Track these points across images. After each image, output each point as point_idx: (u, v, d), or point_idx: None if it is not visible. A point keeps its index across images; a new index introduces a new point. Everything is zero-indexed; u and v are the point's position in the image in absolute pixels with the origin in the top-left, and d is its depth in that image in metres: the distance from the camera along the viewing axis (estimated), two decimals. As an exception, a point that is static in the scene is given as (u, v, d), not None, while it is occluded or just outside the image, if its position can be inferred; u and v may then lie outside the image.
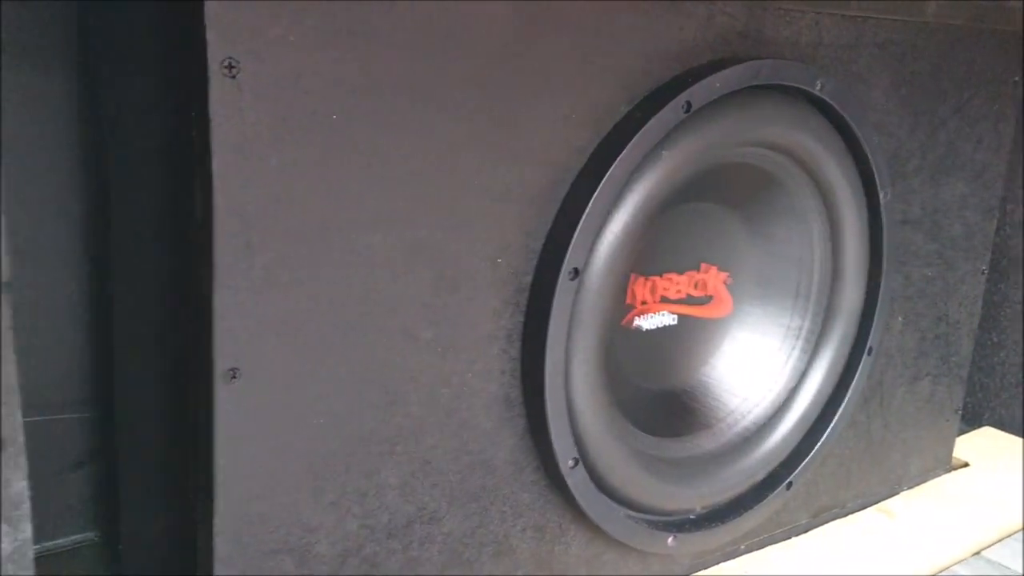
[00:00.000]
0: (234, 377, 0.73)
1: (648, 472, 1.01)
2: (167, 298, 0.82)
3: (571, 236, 0.86)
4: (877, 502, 1.32)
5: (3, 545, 0.65)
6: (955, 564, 1.18)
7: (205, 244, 0.69)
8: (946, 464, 1.43)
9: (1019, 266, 1.56)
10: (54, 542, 1.08)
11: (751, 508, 1.10)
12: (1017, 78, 1.28)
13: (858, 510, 1.29)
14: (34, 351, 1.01)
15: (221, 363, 0.72)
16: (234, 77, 0.67)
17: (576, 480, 0.94)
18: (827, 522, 1.25)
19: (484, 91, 0.81)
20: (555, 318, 0.87)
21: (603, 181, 0.86)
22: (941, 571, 1.16)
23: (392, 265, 0.79)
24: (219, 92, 0.67)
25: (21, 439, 0.64)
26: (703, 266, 1.09)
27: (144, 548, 0.98)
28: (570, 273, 0.87)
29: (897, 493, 1.35)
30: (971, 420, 1.65)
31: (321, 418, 0.79)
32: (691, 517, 1.08)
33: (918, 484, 1.38)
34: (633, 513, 1.02)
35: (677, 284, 1.07)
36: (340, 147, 0.74)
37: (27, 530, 0.66)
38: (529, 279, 0.89)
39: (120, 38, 0.84)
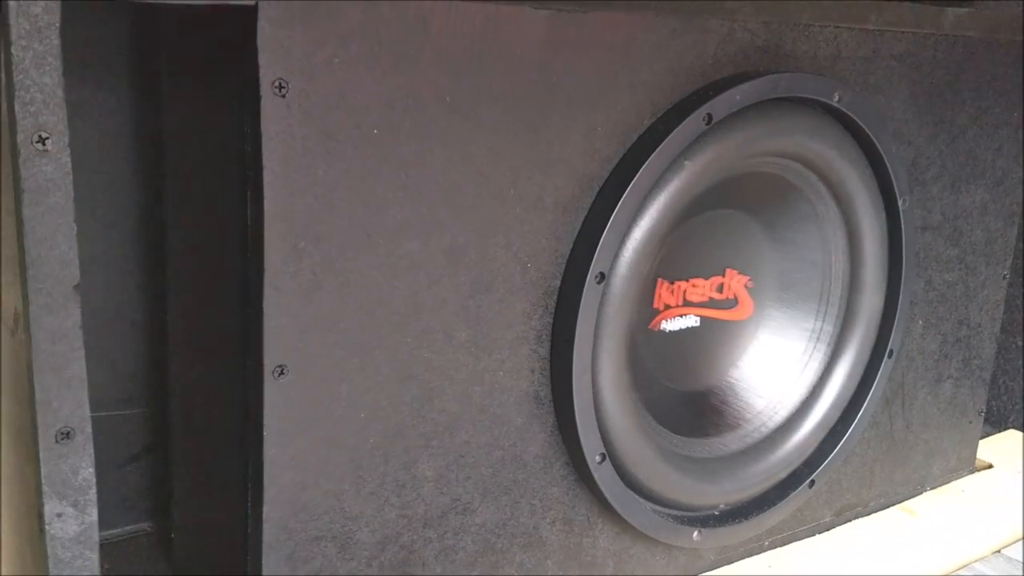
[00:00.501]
0: (282, 374, 0.78)
1: (674, 469, 1.06)
2: (218, 301, 0.88)
3: (597, 242, 0.91)
4: (900, 501, 1.35)
5: (71, 527, 0.71)
6: (975, 562, 1.21)
7: (256, 249, 0.75)
8: (970, 465, 1.46)
9: (1044, 271, 1.58)
10: (111, 531, 1.14)
11: (774, 505, 1.14)
12: (1037, 87, 1.32)
13: (881, 509, 1.33)
14: (94, 351, 1.07)
15: (270, 361, 0.77)
16: (284, 96, 0.72)
17: (603, 475, 0.98)
18: (850, 520, 1.28)
19: (516, 106, 0.86)
20: (582, 320, 0.92)
21: (627, 190, 0.91)
22: (961, 568, 1.19)
23: (430, 269, 0.85)
24: (270, 110, 0.72)
25: (88, 429, 0.70)
26: (728, 271, 1.13)
27: (194, 539, 1.04)
28: (596, 277, 0.92)
29: (920, 493, 1.38)
30: (997, 423, 1.67)
31: (362, 413, 0.84)
32: (715, 513, 1.12)
33: (941, 484, 1.41)
34: (659, 508, 1.06)
35: (701, 288, 1.11)
36: (381, 159, 0.79)
37: (93, 514, 0.72)
38: (558, 283, 0.93)
39: (179, 58, 0.90)
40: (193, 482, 1.02)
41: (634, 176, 0.91)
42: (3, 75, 0.65)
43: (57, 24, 0.64)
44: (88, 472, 0.71)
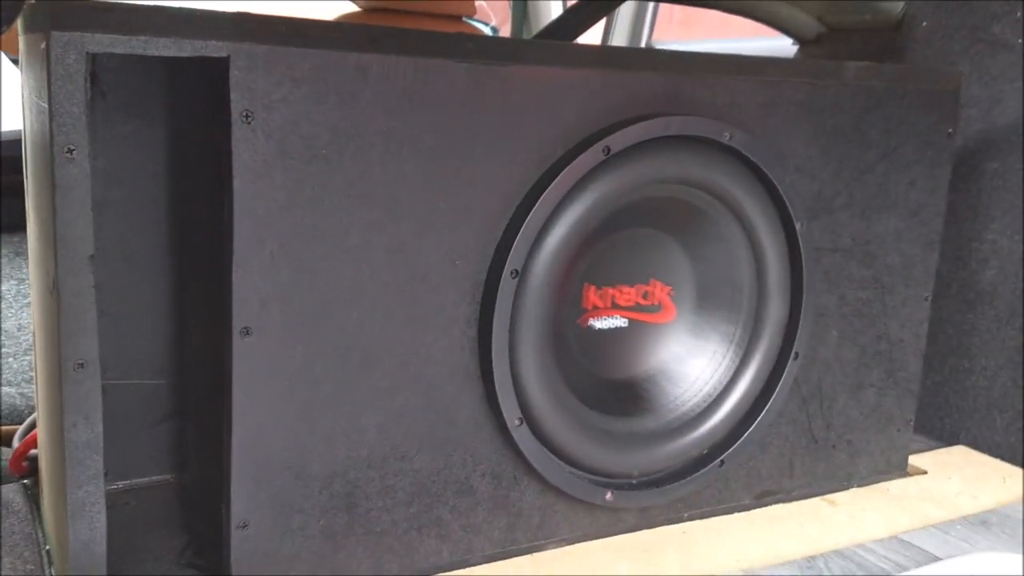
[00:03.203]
0: (247, 334, 1.03)
1: (591, 439, 1.27)
2: (220, 290, 1.13)
3: (511, 245, 1.14)
4: (824, 493, 1.53)
5: (83, 434, 0.96)
6: (871, 541, 1.38)
7: (227, 237, 1.00)
8: (901, 470, 1.63)
9: (985, 299, 1.75)
10: (142, 479, 1.39)
11: (685, 478, 1.35)
12: (951, 130, 1.50)
13: (804, 498, 1.51)
14: (130, 332, 1.34)
15: (237, 322, 1.02)
16: (250, 123, 0.98)
17: (521, 436, 1.21)
18: (770, 504, 1.47)
19: (445, 137, 1.10)
20: (499, 307, 1.15)
21: (536, 204, 1.14)
22: (855, 545, 1.36)
23: (372, 260, 1.09)
24: (239, 133, 0.98)
25: (97, 363, 0.96)
26: (652, 281, 1.35)
27: (203, 489, 1.29)
28: (512, 273, 1.15)
29: (846, 489, 1.56)
30: (949, 439, 1.83)
31: (315, 371, 1.08)
32: (632, 481, 1.32)
33: (870, 484, 1.58)
34: (576, 471, 1.28)
35: (627, 294, 1.33)
36: (328, 174, 1.04)
37: (99, 426, 0.98)
38: (483, 277, 1.17)
39: (181, 96, 1.17)
40: (204, 442, 1.28)
41: (542, 193, 1.14)
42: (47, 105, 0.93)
43: (83, 71, 0.91)
44: (96, 395, 0.97)
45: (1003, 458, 1.73)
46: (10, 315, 1.91)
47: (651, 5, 3.60)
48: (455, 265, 1.15)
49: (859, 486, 1.58)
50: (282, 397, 1.07)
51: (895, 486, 1.60)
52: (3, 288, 1.94)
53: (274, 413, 1.07)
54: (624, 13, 3.66)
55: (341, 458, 1.12)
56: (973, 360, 1.79)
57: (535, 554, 1.28)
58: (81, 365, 0.96)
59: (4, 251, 1.96)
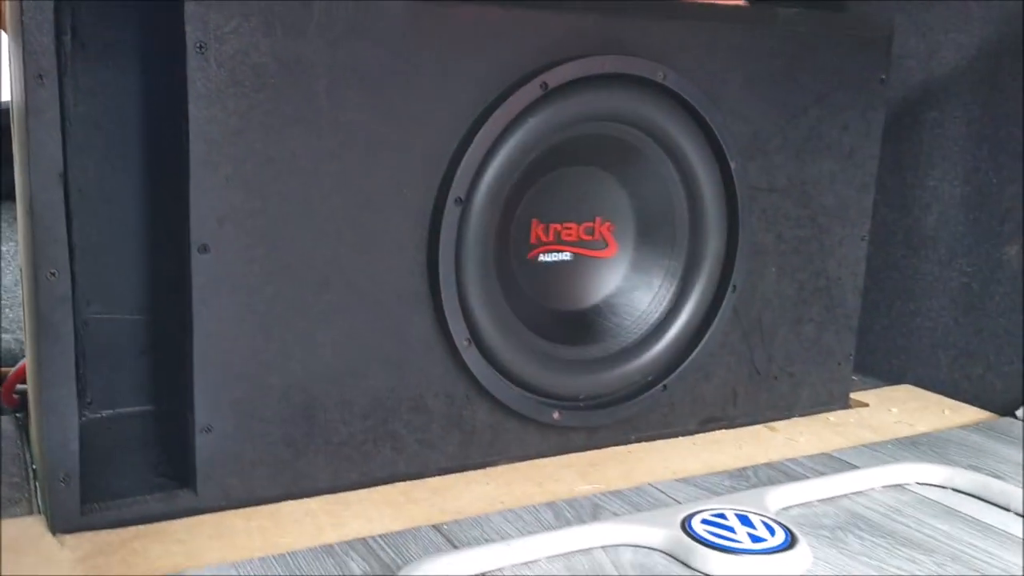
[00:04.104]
0: (205, 251, 1.12)
1: (539, 363, 1.36)
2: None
3: (455, 173, 1.23)
4: (766, 421, 1.62)
5: (56, 340, 1.06)
6: (802, 456, 1.47)
7: (184, 159, 1.10)
8: (843, 402, 1.72)
9: (928, 243, 1.83)
10: (125, 409, 1.49)
11: (630, 400, 1.44)
12: (884, 76, 1.59)
13: (746, 426, 1.60)
14: (111, 268, 1.43)
15: (195, 239, 1.11)
16: (203, 53, 1.08)
17: (470, 356, 1.30)
18: (714, 430, 1.56)
19: (389, 72, 1.19)
20: (444, 233, 1.24)
21: (477, 135, 1.23)
22: (785, 459, 1.45)
23: (321, 185, 1.18)
24: (194, 63, 1.07)
25: (68, 270, 1.05)
26: (596, 219, 1.44)
27: (177, 418, 1.38)
28: (455, 200, 1.24)
29: (788, 417, 1.65)
30: (896, 379, 1.91)
31: (270, 288, 1.17)
32: (579, 403, 1.41)
33: (811, 413, 1.67)
34: (525, 393, 1.37)
35: (571, 230, 1.42)
36: (277, 101, 1.13)
37: (71, 332, 1.07)
38: (430, 205, 1.26)
39: (152, 46, 1.27)
40: (179, 373, 1.37)
41: (482, 125, 1.24)
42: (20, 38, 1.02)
43: (52, 3, 1.01)
44: (68, 303, 1.06)
45: (947, 395, 1.82)
46: (8, 272, 2.02)
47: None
48: (403, 192, 1.24)
49: (800, 416, 1.66)
50: (239, 311, 1.16)
51: (835, 415, 1.68)
52: (3, 248, 2.05)
53: (232, 326, 1.16)
54: None
55: (298, 371, 1.21)
56: (918, 302, 1.87)
57: (488, 468, 1.37)
58: (53, 274, 1.05)
59: (4, 216, 2.08)
